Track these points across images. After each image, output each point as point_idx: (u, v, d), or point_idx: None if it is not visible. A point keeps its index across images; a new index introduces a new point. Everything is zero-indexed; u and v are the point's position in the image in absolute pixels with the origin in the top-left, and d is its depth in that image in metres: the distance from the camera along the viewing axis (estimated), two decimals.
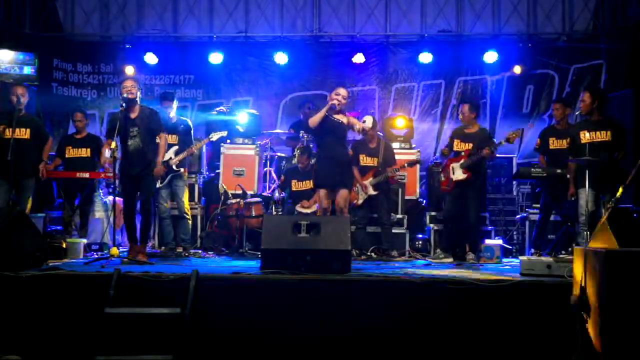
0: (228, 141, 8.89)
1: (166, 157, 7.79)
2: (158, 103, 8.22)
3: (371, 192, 7.87)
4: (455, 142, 7.71)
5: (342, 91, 6.95)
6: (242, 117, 9.59)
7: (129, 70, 10.83)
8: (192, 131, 8.39)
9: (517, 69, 10.76)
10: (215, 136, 8.33)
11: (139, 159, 6.80)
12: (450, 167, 7.59)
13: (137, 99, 6.84)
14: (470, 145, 7.56)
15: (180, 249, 7.82)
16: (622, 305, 3.96)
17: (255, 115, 9.89)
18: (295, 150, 8.74)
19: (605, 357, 4.02)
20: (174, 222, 8.08)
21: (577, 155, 6.97)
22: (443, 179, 7.78)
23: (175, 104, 8.27)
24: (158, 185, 7.83)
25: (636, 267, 3.98)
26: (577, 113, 7.48)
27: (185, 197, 8.10)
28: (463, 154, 7.54)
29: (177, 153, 7.96)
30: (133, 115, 6.81)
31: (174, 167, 7.90)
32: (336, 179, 6.91)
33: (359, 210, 7.97)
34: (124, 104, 6.73)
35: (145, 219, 6.95)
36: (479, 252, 7.38)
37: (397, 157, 8.28)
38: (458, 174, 7.50)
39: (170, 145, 7.88)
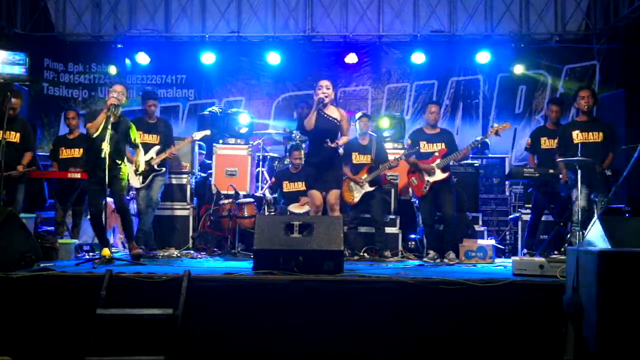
0: (220, 141, 8.85)
1: (147, 157, 7.73)
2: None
3: (367, 188, 7.84)
4: (422, 144, 7.68)
5: (324, 82, 6.84)
6: (244, 118, 9.69)
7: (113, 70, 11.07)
8: (172, 131, 8.26)
9: (518, 69, 10.83)
10: (198, 135, 8.29)
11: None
12: (423, 170, 7.57)
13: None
14: (442, 145, 7.59)
15: (173, 250, 7.75)
16: (615, 306, 3.96)
17: (249, 116, 9.89)
18: (288, 147, 8.71)
19: (598, 357, 4.02)
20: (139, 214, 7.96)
21: (569, 154, 7.00)
22: (416, 183, 7.72)
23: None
24: (139, 185, 7.78)
25: (629, 268, 3.98)
26: (582, 109, 7.32)
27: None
28: (437, 154, 7.56)
29: (158, 153, 7.89)
30: (114, 119, 6.63)
31: (155, 166, 7.83)
32: (326, 183, 6.91)
33: (352, 210, 7.95)
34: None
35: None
36: (469, 251, 7.39)
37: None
38: (438, 175, 7.51)
39: (151, 145, 7.87)
